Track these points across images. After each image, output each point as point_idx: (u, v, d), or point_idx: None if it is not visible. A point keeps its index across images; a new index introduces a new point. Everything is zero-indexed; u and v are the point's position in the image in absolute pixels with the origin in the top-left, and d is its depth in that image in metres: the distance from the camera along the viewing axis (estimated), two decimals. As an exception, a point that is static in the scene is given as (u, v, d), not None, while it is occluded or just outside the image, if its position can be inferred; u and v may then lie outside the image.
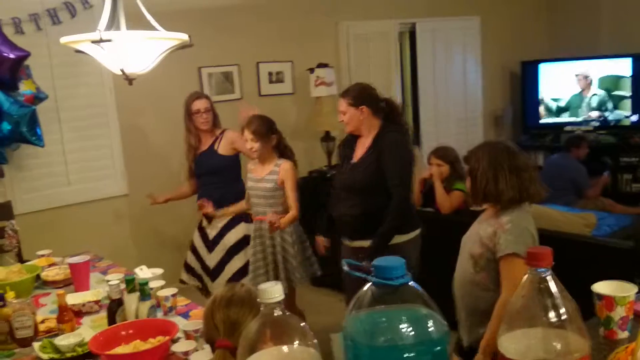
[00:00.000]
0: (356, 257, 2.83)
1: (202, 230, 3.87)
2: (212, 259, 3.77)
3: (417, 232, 3.10)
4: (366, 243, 3.01)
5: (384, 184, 2.97)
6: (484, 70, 6.89)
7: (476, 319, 2.28)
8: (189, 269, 3.93)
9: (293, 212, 3.34)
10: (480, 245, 2.24)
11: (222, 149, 3.83)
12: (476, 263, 2.26)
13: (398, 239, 3.01)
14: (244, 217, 3.71)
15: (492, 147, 2.35)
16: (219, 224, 3.75)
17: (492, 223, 2.24)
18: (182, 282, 3.89)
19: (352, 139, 3.19)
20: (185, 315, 2.28)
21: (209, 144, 3.86)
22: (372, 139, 3.06)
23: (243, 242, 3.69)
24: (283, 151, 3.50)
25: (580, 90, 6.91)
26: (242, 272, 3.63)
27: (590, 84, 6.85)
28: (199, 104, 3.78)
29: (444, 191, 3.87)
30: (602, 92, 6.81)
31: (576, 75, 6.89)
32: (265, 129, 3.39)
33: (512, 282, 2.10)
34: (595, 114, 6.86)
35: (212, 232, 3.78)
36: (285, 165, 3.41)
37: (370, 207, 3.01)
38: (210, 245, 3.78)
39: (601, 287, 1.47)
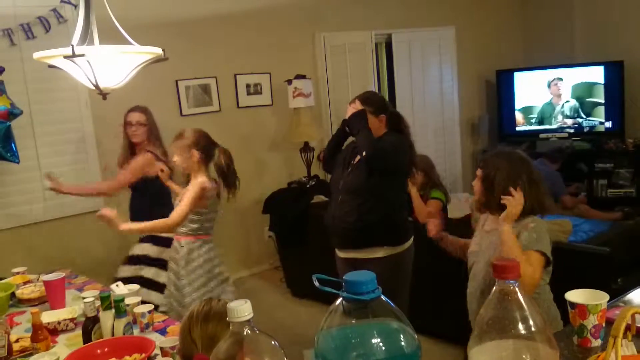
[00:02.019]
0: (345, 269, 2.83)
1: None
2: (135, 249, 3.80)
3: (411, 240, 3.08)
4: (358, 254, 2.98)
5: (379, 187, 2.93)
6: (460, 79, 6.97)
7: None
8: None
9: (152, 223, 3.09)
10: None
11: (133, 161, 3.77)
12: None
13: (394, 250, 2.98)
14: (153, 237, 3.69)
15: (510, 157, 2.36)
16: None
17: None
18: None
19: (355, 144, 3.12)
20: (163, 331, 2.26)
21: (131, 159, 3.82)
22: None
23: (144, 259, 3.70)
24: (222, 172, 3.19)
25: (551, 98, 7.01)
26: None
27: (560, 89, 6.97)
28: (132, 117, 3.77)
29: (420, 200, 3.89)
30: (573, 100, 6.92)
31: (551, 81, 6.99)
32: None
33: (530, 272, 2.14)
34: (569, 121, 6.96)
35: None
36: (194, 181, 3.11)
37: (366, 214, 2.93)
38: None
39: (574, 296, 1.49)
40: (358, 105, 2.99)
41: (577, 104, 6.89)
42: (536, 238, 2.22)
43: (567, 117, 6.96)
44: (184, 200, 3.04)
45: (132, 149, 3.83)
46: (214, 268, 3.18)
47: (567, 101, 6.95)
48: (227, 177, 3.18)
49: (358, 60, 6.11)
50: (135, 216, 3.62)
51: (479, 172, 2.41)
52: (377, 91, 6.30)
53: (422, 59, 6.64)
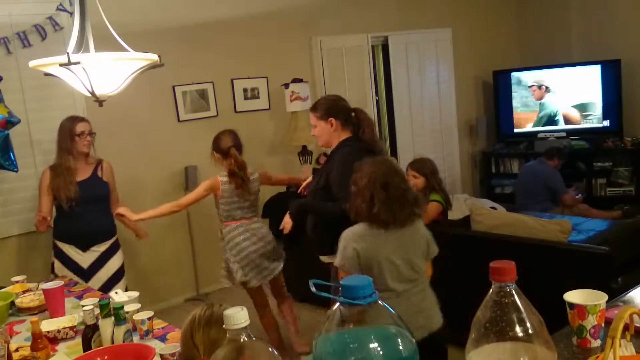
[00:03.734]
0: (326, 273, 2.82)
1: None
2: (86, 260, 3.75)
3: None
4: (326, 259, 3.02)
5: (329, 199, 2.91)
6: (457, 81, 6.98)
7: None
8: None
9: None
10: None
11: (105, 176, 3.80)
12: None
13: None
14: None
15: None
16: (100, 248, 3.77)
17: None
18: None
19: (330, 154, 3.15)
20: (162, 338, 2.25)
21: (89, 171, 3.75)
22: (331, 153, 3.08)
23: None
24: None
25: (539, 99, 7.05)
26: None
27: (545, 91, 6.98)
28: (83, 127, 3.67)
29: (420, 203, 3.89)
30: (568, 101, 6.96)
31: (529, 87, 7.02)
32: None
33: None
34: (568, 120, 6.98)
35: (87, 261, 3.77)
36: None
37: (318, 220, 3.04)
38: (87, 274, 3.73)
39: (573, 296, 1.48)
40: (312, 118, 3.07)
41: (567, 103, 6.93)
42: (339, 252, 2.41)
43: (552, 119, 7.00)
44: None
45: (73, 159, 3.69)
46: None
47: (544, 102, 6.99)
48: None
49: (355, 63, 6.12)
50: (103, 222, 3.82)
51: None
52: (374, 94, 6.31)
53: (419, 61, 6.65)
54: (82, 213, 3.67)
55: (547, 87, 6.98)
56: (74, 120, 3.70)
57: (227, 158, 3.57)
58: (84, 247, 3.70)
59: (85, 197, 3.66)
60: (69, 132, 3.66)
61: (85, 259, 3.70)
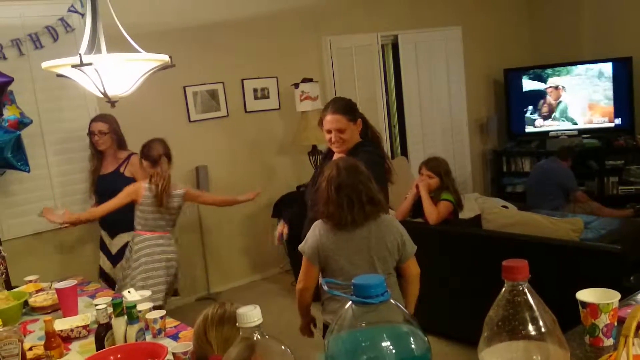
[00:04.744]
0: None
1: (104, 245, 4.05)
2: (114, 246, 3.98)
3: None
4: None
5: None
6: (468, 79, 6.95)
7: None
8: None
9: None
10: None
11: (129, 171, 3.98)
12: None
13: None
14: None
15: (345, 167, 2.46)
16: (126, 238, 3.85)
17: None
18: None
19: (330, 155, 3.04)
20: (175, 337, 2.27)
21: (114, 166, 4.01)
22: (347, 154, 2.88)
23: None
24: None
25: (556, 99, 7.01)
26: None
27: (562, 91, 6.95)
28: (94, 127, 3.95)
29: (431, 202, 3.88)
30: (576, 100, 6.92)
31: (546, 89, 6.99)
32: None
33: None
34: (579, 119, 6.94)
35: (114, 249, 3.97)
36: None
37: None
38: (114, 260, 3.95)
39: (585, 295, 1.48)
40: (342, 120, 2.88)
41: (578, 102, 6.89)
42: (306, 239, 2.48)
43: (567, 118, 6.96)
44: None
45: (98, 156, 4.05)
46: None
47: (560, 101, 6.95)
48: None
49: (365, 62, 6.12)
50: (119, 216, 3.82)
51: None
52: (384, 93, 6.31)
53: (429, 60, 6.64)
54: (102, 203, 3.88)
55: (563, 87, 6.94)
56: (92, 119, 4.01)
57: (155, 167, 3.57)
58: (112, 234, 3.99)
59: (103, 190, 3.92)
60: (88, 131, 4.01)
61: (113, 245, 3.97)
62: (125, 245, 3.80)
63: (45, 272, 3.31)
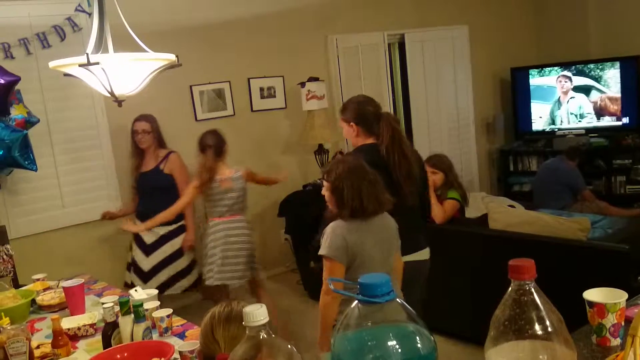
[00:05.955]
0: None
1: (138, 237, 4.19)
2: (148, 263, 4.11)
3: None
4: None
5: None
6: (474, 78, 6.94)
7: None
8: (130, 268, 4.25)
9: None
10: None
11: (167, 169, 4.16)
12: None
13: (425, 254, 2.95)
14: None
15: (350, 165, 2.49)
16: (161, 231, 4.12)
17: None
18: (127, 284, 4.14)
19: None
20: (181, 335, 2.27)
21: (154, 163, 4.20)
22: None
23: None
24: None
25: (559, 96, 6.98)
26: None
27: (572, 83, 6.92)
28: (137, 126, 4.16)
29: (437, 201, 3.88)
30: (581, 97, 6.87)
31: (557, 77, 6.95)
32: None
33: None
34: (584, 118, 6.91)
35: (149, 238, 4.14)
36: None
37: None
38: (149, 249, 4.12)
39: (592, 295, 1.47)
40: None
41: (585, 100, 6.85)
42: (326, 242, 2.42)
43: (573, 114, 6.92)
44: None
45: (139, 153, 4.24)
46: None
47: (573, 97, 6.91)
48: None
49: (371, 61, 6.11)
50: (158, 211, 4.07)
51: (325, 183, 2.52)
52: (390, 91, 6.30)
53: (436, 59, 6.62)
54: (143, 199, 4.24)
55: (570, 78, 6.90)
56: (135, 119, 4.19)
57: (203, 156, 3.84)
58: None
59: (144, 187, 4.21)
60: (131, 130, 4.20)
61: (147, 237, 4.13)
62: (160, 239, 4.09)
63: (52, 271, 3.32)
